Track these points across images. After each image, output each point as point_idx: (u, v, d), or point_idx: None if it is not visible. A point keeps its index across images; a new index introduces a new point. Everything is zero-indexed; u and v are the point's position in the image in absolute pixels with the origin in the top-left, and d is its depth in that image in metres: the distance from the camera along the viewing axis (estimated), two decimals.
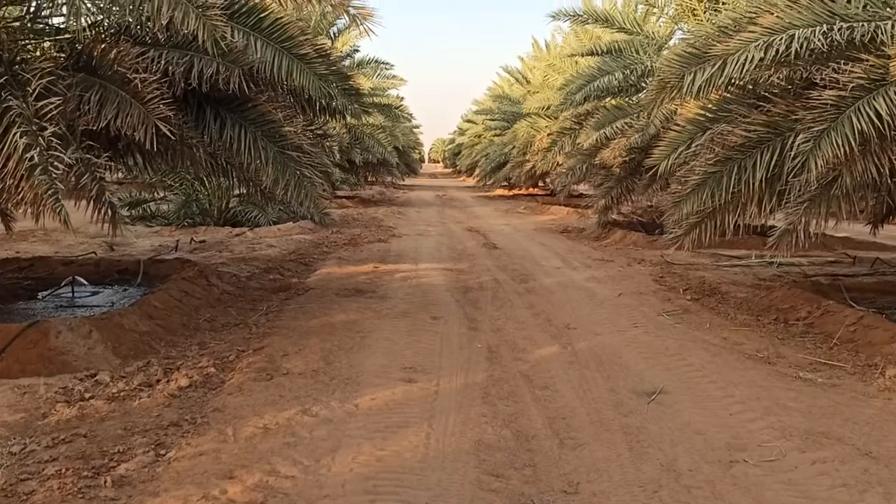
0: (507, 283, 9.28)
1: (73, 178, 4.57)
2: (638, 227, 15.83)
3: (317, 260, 10.68)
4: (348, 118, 7.63)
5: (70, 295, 7.35)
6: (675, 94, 7.25)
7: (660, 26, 15.28)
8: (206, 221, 14.82)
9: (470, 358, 5.70)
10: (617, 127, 13.78)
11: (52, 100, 4.34)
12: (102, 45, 5.19)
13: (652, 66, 14.20)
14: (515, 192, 31.94)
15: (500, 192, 33.21)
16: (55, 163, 4.21)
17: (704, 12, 13.82)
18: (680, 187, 7.19)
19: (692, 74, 6.89)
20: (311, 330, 6.38)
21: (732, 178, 6.64)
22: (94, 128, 4.94)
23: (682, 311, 7.65)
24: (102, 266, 8.55)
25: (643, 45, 14.66)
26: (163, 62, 5.41)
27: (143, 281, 8.12)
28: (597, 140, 13.97)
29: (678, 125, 8.09)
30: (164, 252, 10.95)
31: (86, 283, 7.48)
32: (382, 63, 23.54)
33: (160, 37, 5.55)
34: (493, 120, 31.51)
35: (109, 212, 4.97)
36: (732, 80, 6.86)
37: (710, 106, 7.93)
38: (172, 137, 4.88)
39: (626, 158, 14.12)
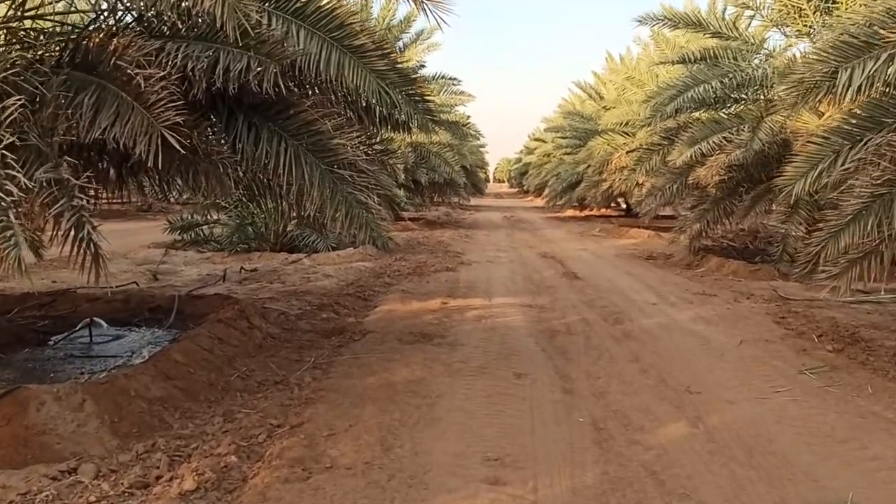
0: (599, 324, 7.84)
1: (38, 205, 3.40)
2: (732, 254, 14.15)
3: (378, 293, 9.44)
4: (414, 132, 6.33)
5: (88, 340, 6.26)
6: (823, 95, 5.76)
7: (752, 31, 13.65)
8: (261, 247, 13.82)
9: (572, 441, 4.31)
10: (714, 142, 12.24)
11: (9, 101, 3.20)
12: (100, 35, 4.07)
13: (753, 75, 12.67)
14: (588, 213, 30.34)
15: (570, 212, 31.66)
16: (7, 186, 3.05)
17: (815, 12, 12.26)
18: (833, 214, 5.66)
19: (849, 70, 5.40)
20: (367, 393, 5.09)
21: None
22: (87, 139, 3.79)
23: (827, 367, 6.08)
24: (133, 303, 7.48)
25: (741, 51, 13.09)
26: (179, 57, 4.24)
27: (176, 321, 7.00)
28: (691, 157, 12.43)
29: (819, 137, 6.54)
30: (210, 282, 9.90)
31: (105, 325, 6.38)
32: (450, 79, 22.46)
33: (180, 26, 4.40)
34: (563, 138, 30.04)
35: (91, 249, 3.79)
36: None
37: (858, 112, 6.38)
38: (183, 150, 3.68)
39: (725, 177, 12.55)
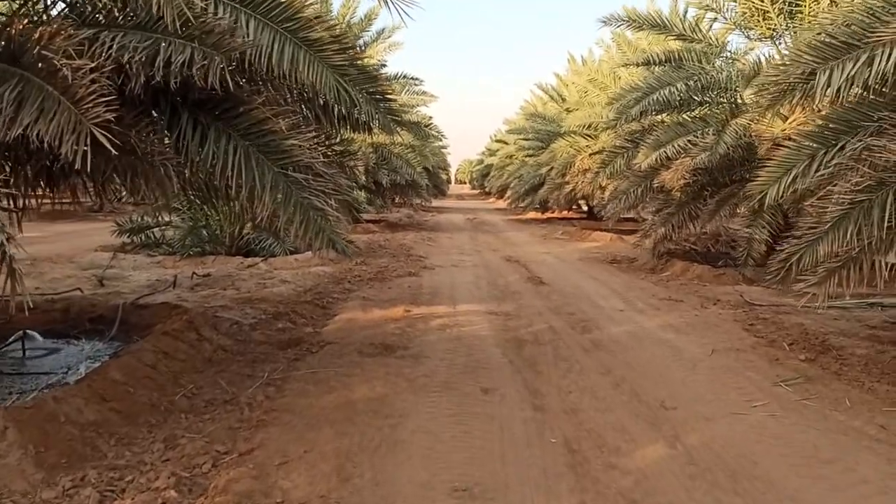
0: (567, 333, 7.57)
1: None
2: (696, 257, 14.07)
3: (337, 301, 9.05)
4: (376, 132, 5.98)
5: (21, 354, 5.78)
6: (799, 98, 5.56)
7: (715, 33, 13.55)
8: (215, 250, 13.31)
9: (545, 466, 4.01)
10: (679, 145, 12.11)
11: None
12: (24, 22, 3.66)
13: (717, 77, 12.58)
14: (550, 215, 30.24)
15: (532, 215, 31.53)
16: None
17: (779, 15, 12.20)
18: (809, 221, 5.46)
19: (828, 72, 5.20)
20: (324, 414, 4.73)
21: (888, 209, 4.93)
22: (8, 137, 3.37)
23: (802, 378, 5.89)
24: (73, 312, 7.00)
25: (704, 54, 13.00)
26: (115, 47, 3.84)
27: (120, 332, 6.56)
28: (656, 160, 12.28)
29: (793, 141, 6.35)
30: (159, 289, 9.41)
31: (39, 337, 5.91)
32: (411, 78, 22.14)
33: (117, 14, 4.00)
34: (526, 139, 29.90)
35: (5, 261, 3.37)
36: (885, 77, 5.15)
37: (833, 115, 6.22)
38: (117, 151, 3.28)
39: (690, 181, 12.42)
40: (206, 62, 3.84)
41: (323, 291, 9.53)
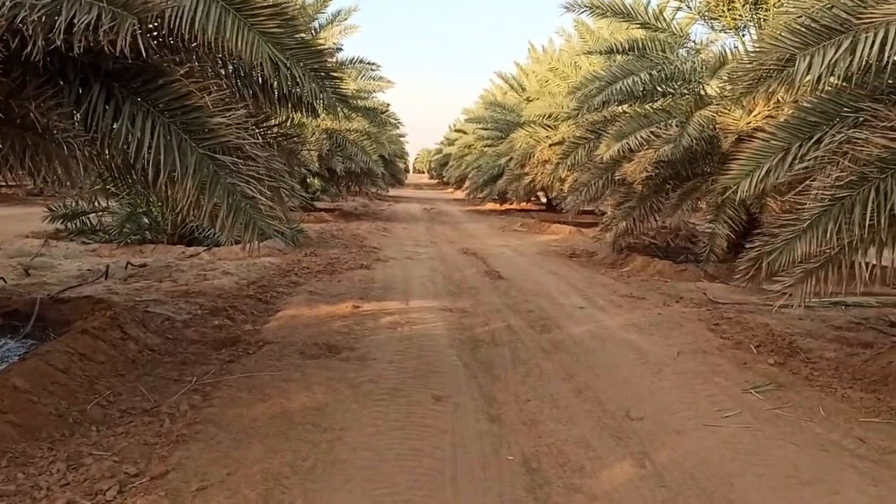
0: (526, 332, 7.15)
1: None
2: (656, 252, 13.82)
3: (282, 295, 8.49)
4: (331, 118, 5.44)
5: None
6: (777, 85, 5.18)
7: (679, 22, 13.24)
8: (156, 238, 12.59)
9: (502, 490, 3.56)
10: (642, 137, 11.78)
11: None
12: None
13: (681, 68, 12.27)
14: (508, 206, 29.89)
15: (491, 206, 31.15)
16: None
17: (744, 5, 11.93)
18: (789, 219, 5.09)
19: (808, 58, 4.84)
20: (255, 426, 4.21)
21: (869, 206, 4.58)
22: None
23: (772, 384, 5.55)
24: None
25: (668, 44, 12.69)
26: (8, 5, 3.25)
27: (36, 329, 5.94)
28: (618, 152, 11.93)
29: (766, 132, 6.00)
30: (89, 279, 8.74)
31: None
32: (368, 63, 21.46)
33: None
34: (485, 129, 29.44)
35: None
36: (869, 65, 4.80)
37: (807, 104, 5.87)
38: (11, 125, 2.71)
39: (652, 174, 12.11)
40: (115, 24, 3.28)
41: (267, 284, 8.96)
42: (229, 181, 3.82)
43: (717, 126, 11.23)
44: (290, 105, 5.23)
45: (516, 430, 4.40)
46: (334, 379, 5.18)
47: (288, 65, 4.48)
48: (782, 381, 5.68)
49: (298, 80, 4.74)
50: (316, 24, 18.65)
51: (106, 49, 3.39)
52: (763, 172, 5.78)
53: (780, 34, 5.16)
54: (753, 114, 11.08)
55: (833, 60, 4.76)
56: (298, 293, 8.62)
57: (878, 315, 8.35)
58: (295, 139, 5.80)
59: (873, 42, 4.59)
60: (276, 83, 4.98)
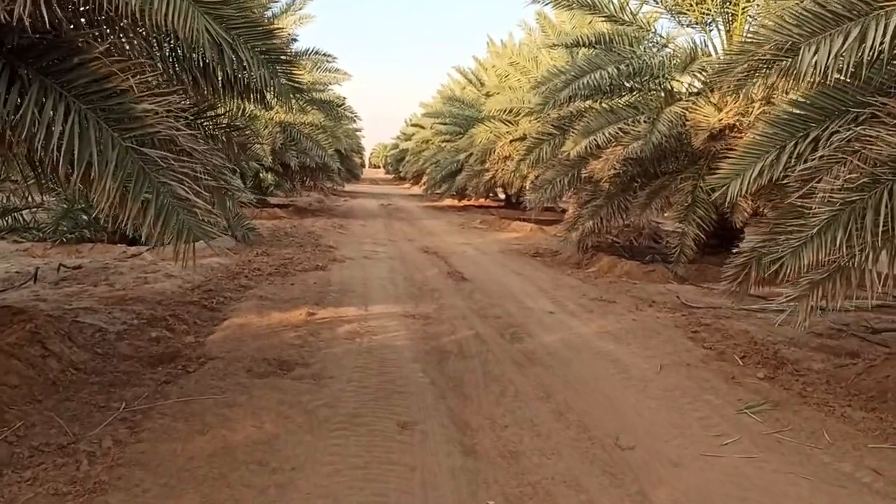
0: (496, 342, 6.62)
1: None
2: (620, 251, 13.43)
3: (229, 300, 7.81)
4: (273, 105, 4.79)
5: None
6: (778, 77, 4.72)
7: (646, 16, 12.83)
8: (96, 236, 11.73)
9: None
10: (609, 133, 11.35)
11: None
12: None
13: (650, 62, 11.87)
14: (467, 202, 29.39)
15: (449, 202, 30.62)
16: None
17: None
18: (796, 224, 4.63)
19: (814, 47, 4.38)
20: (190, 467, 3.58)
21: (883, 211, 4.14)
22: None
23: (767, 403, 5.11)
24: None
25: (636, 38, 12.28)
26: None
27: None
28: (585, 148, 11.47)
29: (763, 127, 5.55)
30: (15, 283, 7.95)
31: None
32: (324, 54, 20.71)
33: None
34: (444, 124, 28.86)
35: None
36: (881, 55, 4.36)
37: (802, 99, 5.45)
38: None
39: (620, 171, 11.69)
40: None
41: (214, 289, 8.26)
42: (159, 179, 3.19)
43: (688, 123, 10.86)
44: (236, 93, 4.59)
45: (495, 465, 3.86)
46: (286, 403, 4.56)
47: (233, 44, 3.85)
48: (776, 398, 5.24)
49: (246, 63, 4.12)
50: (269, 13, 17.87)
51: (1, 18, 2.74)
52: (755, 172, 5.33)
53: (781, 22, 4.69)
54: (725, 111, 10.74)
55: (841, 50, 4.31)
56: (248, 298, 7.95)
57: (857, 320, 8.03)
58: (245, 132, 5.16)
59: (886, 29, 4.16)
60: (219, 68, 4.34)
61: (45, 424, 4.05)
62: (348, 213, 23.65)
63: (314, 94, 20.85)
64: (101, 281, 8.29)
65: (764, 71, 4.97)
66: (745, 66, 5.10)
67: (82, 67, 3.37)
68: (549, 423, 4.52)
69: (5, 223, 11.61)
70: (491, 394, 5.07)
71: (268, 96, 4.59)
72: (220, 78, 4.42)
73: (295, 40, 20.30)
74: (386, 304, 8.20)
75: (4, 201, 11.37)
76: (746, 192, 5.44)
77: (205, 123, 4.63)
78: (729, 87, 5.29)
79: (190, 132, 3.37)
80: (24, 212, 11.66)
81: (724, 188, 5.55)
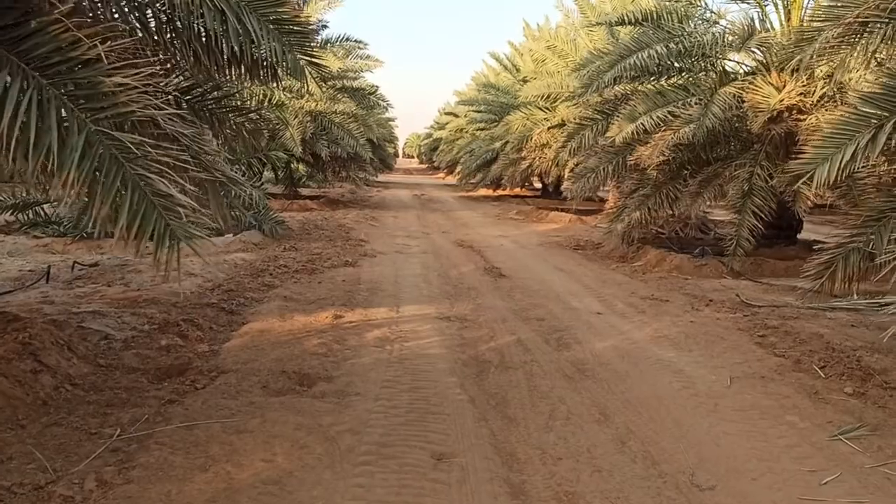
0: (541, 349, 5.95)
1: None
2: (666, 243, 12.60)
3: (251, 302, 7.24)
4: (287, 82, 4.15)
5: None
6: (882, 41, 3.97)
7: None
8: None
9: None
10: (658, 117, 10.55)
11: None
12: None
13: (702, 40, 11.01)
14: (502, 192, 28.63)
15: (483, 192, 29.88)
16: None
17: None
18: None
19: None
20: None
21: None
22: None
23: (863, 426, 4.37)
24: None
25: (686, 14, 11.44)
26: None
27: None
28: (632, 134, 10.70)
29: (856, 103, 4.77)
30: (28, 282, 7.49)
31: None
32: (355, 41, 20.11)
33: None
34: (478, 112, 28.14)
35: None
36: None
37: None
38: None
39: (669, 157, 10.89)
40: None
41: (235, 288, 7.70)
42: (135, 171, 2.57)
43: (745, 104, 10.04)
44: (243, 69, 3.98)
45: None
46: (303, 428, 3.95)
47: (238, 12, 3.22)
48: (871, 419, 4.50)
49: (254, 34, 3.49)
50: None
51: None
52: (846, 156, 4.57)
53: None
54: (786, 90, 9.89)
55: None
56: (271, 299, 7.37)
57: None
58: (255, 116, 4.53)
59: None
60: (223, 40, 3.71)
61: (24, 458, 3.48)
62: (381, 205, 23.08)
63: (346, 81, 20.31)
64: (116, 280, 7.79)
65: (857, 38, 4.20)
66: (834, 32, 4.33)
67: (42, 34, 2.76)
68: (611, 454, 3.85)
69: (25, 217, 11.24)
70: (539, 415, 4.40)
71: (280, 73, 3.97)
72: (223, 51, 3.80)
73: (325, 26, 19.78)
74: (419, 305, 7.57)
75: (24, 195, 10.97)
76: (838, 177, 4.67)
77: (203, 104, 4.02)
78: (811, 59, 4.53)
79: (176, 111, 2.76)
80: (44, 206, 11.26)
81: (809, 175, 4.77)
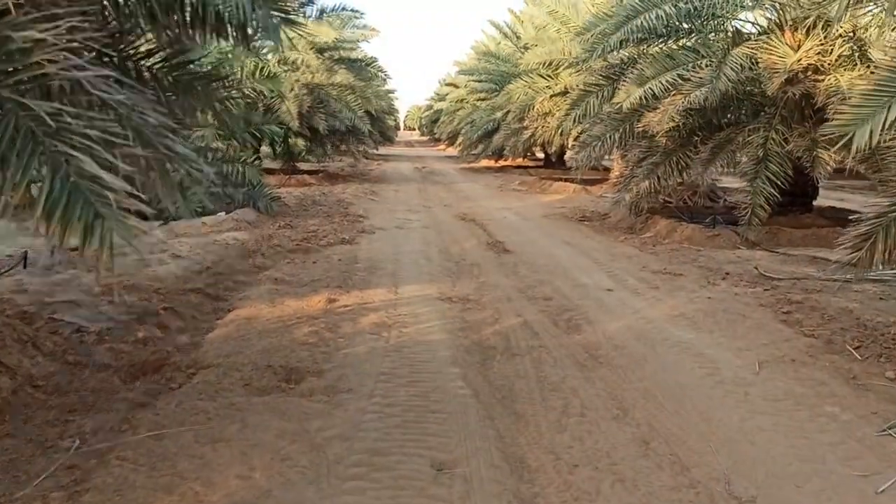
0: (550, 332, 5.51)
1: None
2: (676, 213, 12.10)
3: (239, 286, 6.79)
4: (254, 39, 3.63)
5: None
6: None
7: None
8: None
9: None
10: (667, 81, 10.02)
11: None
12: None
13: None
14: (504, 163, 28.07)
15: (485, 163, 29.33)
16: None
17: None
18: None
19: None
20: None
21: None
22: None
23: None
24: None
25: None
26: None
27: None
28: (640, 99, 10.17)
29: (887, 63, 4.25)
30: (3, 269, 7.03)
31: None
32: (351, 10, 19.43)
33: None
34: (478, 81, 27.46)
35: None
36: None
37: None
38: None
39: (679, 123, 10.36)
40: None
41: (224, 271, 7.25)
42: (55, 148, 2.09)
43: (760, 65, 9.49)
44: (208, 29, 3.48)
45: None
46: (287, 435, 3.51)
47: None
48: None
49: None
50: None
51: None
52: (892, 116, 4.06)
53: None
54: (803, 50, 9.31)
55: None
56: (261, 282, 6.92)
57: None
58: (224, 81, 4.02)
59: None
60: None
61: None
62: (381, 178, 22.56)
63: (342, 52, 19.68)
64: (98, 264, 7.32)
65: None
66: None
67: None
68: (633, 458, 3.41)
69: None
70: (551, 411, 3.96)
71: (250, 32, 3.47)
72: (186, 11, 3.31)
73: None
74: (419, 284, 7.12)
75: None
76: (883, 139, 4.18)
77: (166, 71, 3.53)
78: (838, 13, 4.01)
79: (111, 74, 2.28)
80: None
81: (847, 137, 4.27)
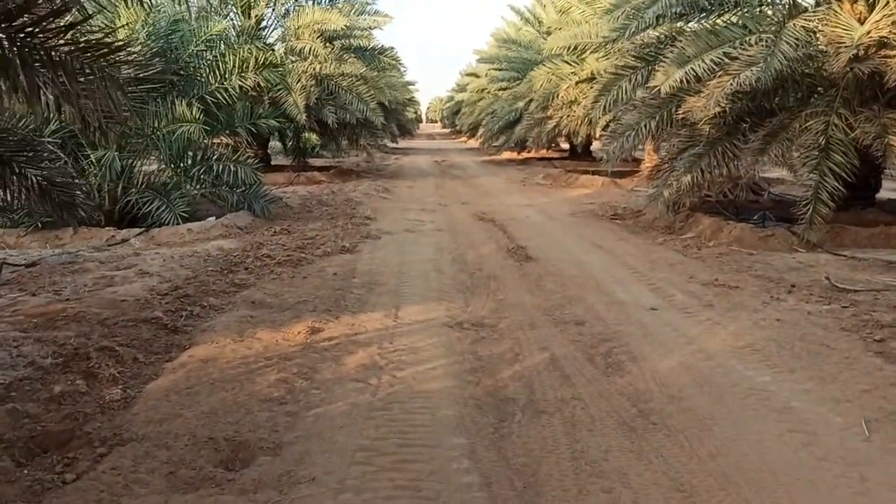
0: (585, 376, 4.32)
1: None
2: (717, 208, 10.78)
3: (208, 311, 5.66)
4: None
5: None
6: None
7: None
8: (91, 217, 9.77)
9: None
10: (711, 60, 8.74)
11: None
12: None
13: None
14: (527, 155, 26.80)
15: (508, 155, 28.10)
16: None
17: None
18: None
19: None
20: None
21: None
22: None
23: None
24: None
25: None
26: None
27: None
28: (681, 81, 8.90)
29: None
30: None
31: None
32: None
33: None
34: (499, 69, 26.23)
35: None
36: None
37: None
38: None
39: (725, 108, 9.09)
40: None
41: (194, 293, 6.11)
42: None
43: (822, 39, 8.19)
44: None
45: None
46: None
47: None
48: None
49: None
50: None
51: None
52: None
53: None
54: (872, 20, 8.00)
55: None
56: (235, 306, 5.79)
57: None
58: (130, 54, 2.86)
59: None
60: None
61: None
62: (397, 174, 21.41)
63: (352, 40, 18.55)
64: (48, 286, 6.26)
65: None
66: None
67: None
68: None
69: None
70: None
71: None
72: None
73: None
74: (425, 305, 5.97)
75: None
76: None
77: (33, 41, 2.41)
78: None
79: None
80: None
81: None
